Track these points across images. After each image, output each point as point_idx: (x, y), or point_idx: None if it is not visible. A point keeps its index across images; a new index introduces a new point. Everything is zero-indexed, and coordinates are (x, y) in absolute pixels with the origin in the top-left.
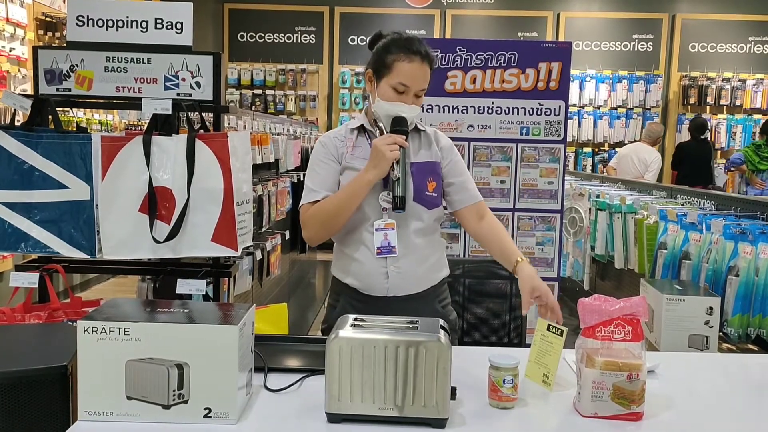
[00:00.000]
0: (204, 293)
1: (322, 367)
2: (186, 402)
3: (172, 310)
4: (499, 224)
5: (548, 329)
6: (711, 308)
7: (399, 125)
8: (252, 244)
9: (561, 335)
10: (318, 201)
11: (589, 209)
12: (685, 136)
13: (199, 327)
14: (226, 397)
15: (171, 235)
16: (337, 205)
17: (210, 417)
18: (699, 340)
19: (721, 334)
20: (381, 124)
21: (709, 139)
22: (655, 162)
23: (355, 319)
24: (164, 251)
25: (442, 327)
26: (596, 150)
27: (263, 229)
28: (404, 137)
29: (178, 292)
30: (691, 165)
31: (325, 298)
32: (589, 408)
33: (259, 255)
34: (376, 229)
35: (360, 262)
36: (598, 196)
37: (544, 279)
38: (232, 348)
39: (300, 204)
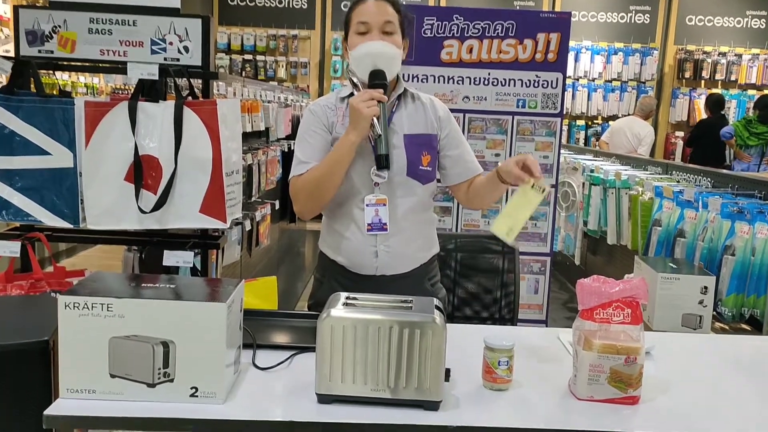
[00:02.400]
0: (191, 265)
1: (312, 345)
2: (172, 381)
3: (157, 285)
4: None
5: (532, 186)
6: (706, 288)
7: (375, 78)
8: (241, 214)
9: (541, 192)
10: None
11: (583, 184)
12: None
13: (186, 304)
14: (213, 377)
15: (158, 206)
16: (323, 173)
17: (197, 396)
18: (692, 320)
19: (714, 313)
20: (357, 82)
21: (727, 116)
22: (649, 136)
23: (347, 298)
24: (150, 222)
25: (437, 307)
26: (589, 123)
27: (253, 199)
28: (382, 91)
29: (164, 264)
30: (708, 143)
31: (314, 268)
32: (584, 391)
33: (248, 225)
34: (367, 205)
35: (348, 239)
36: (592, 171)
37: (536, 254)
38: (219, 326)
39: (290, 176)
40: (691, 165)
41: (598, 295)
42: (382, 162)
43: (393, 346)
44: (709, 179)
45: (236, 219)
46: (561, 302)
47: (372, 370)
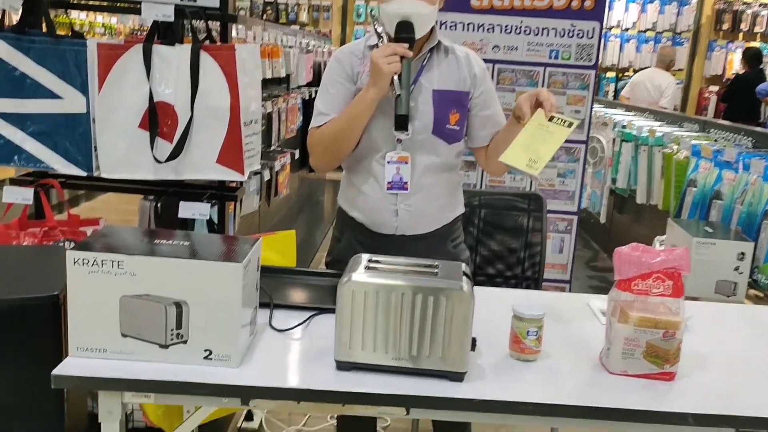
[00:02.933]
0: (208, 218)
1: (332, 306)
2: (185, 342)
3: (171, 242)
4: None
5: (551, 120)
6: (743, 254)
7: (402, 30)
8: (259, 166)
9: (568, 126)
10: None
11: (613, 140)
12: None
13: (200, 263)
14: (227, 340)
15: (173, 155)
16: (340, 127)
17: (210, 359)
18: (727, 287)
19: (750, 280)
20: (383, 35)
21: (765, 71)
22: (670, 87)
23: (369, 261)
24: (166, 172)
25: (465, 273)
26: (620, 75)
27: (272, 148)
28: (407, 45)
29: (180, 216)
30: (744, 98)
31: (333, 219)
32: (618, 365)
33: (267, 175)
34: (388, 162)
35: (367, 195)
36: (624, 127)
37: (563, 212)
38: (235, 287)
39: (309, 127)
40: (729, 123)
41: (637, 265)
42: (400, 123)
43: (417, 313)
44: (750, 139)
45: (255, 170)
46: (584, 260)
47: (394, 338)
